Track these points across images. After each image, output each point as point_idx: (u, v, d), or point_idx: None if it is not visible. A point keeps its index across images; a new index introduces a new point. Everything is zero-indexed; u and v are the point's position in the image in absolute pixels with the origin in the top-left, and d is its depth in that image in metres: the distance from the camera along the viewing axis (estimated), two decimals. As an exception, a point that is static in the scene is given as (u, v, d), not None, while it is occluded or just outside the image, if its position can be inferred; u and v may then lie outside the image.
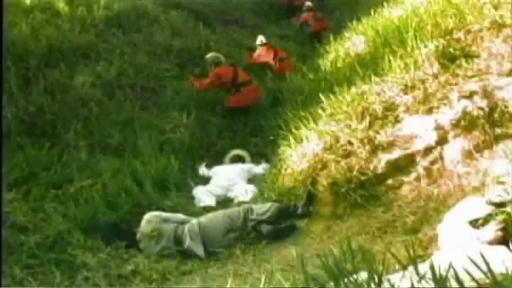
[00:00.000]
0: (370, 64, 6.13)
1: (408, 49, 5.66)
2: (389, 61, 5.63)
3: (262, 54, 9.71)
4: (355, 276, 2.28)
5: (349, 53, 7.78)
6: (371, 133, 4.70)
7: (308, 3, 13.22)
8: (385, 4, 10.21)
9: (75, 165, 5.78)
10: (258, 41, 10.00)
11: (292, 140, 5.29)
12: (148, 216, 4.59)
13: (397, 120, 4.76)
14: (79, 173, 5.61)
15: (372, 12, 10.19)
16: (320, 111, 5.52)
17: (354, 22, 10.05)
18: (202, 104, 7.55)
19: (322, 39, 11.46)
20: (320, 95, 5.74)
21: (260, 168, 5.97)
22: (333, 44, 9.16)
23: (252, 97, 7.35)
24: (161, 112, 7.37)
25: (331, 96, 5.59)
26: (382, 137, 4.64)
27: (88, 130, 6.53)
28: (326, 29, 12.16)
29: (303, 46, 11.61)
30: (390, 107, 4.91)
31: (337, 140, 4.77)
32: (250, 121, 6.65)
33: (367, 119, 4.85)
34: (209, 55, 8.03)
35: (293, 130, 5.46)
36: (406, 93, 4.96)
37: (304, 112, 5.77)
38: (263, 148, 6.36)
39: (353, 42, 8.19)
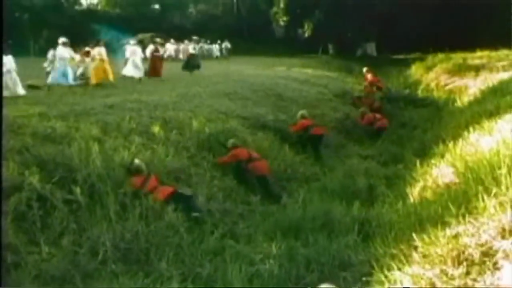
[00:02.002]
0: (462, 201, 6.05)
1: (503, 187, 5.58)
2: (483, 200, 5.56)
3: (237, 153, 10.21)
4: None
5: (438, 184, 7.72)
6: (468, 281, 4.56)
7: (303, 112, 13.94)
8: (470, 128, 10.25)
9: (167, 298, 5.93)
10: (230, 144, 10.54)
11: (386, 284, 5.20)
12: None
13: (496, 268, 4.61)
14: (171, 307, 5.75)
15: (457, 135, 10.25)
16: (412, 250, 5.45)
17: (440, 147, 10.07)
18: (289, 232, 7.63)
19: (322, 145, 13.03)
20: (412, 233, 5.68)
21: (350, 306, 5.86)
22: (419, 170, 9.15)
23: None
24: (249, 239, 7.49)
25: (424, 235, 5.52)
26: (480, 286, 4.50)
27: (179, 258, 6.72)
28: (325, 134, 13.44)
29: (387, 168, 11.62)
30: (487, 252, 4.77)
31: (433, 286, 4.67)
32: (339, 254, 6.60)
33: (464, 264, 4.74)
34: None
35: (385, 271, 5.38)
36: (504, 237, 4.83)
37: (395, 250, 5.70)
38: (352, 283, 6.25)
39: (441, 171, 8.15)
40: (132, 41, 21.84)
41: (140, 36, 38.62)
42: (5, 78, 14.06)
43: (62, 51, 16.84)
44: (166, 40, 32.82)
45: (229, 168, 9.95)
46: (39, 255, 6.18)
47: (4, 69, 13.98)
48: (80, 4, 55.98)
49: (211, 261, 6.61)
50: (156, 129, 10.56)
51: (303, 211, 8.10)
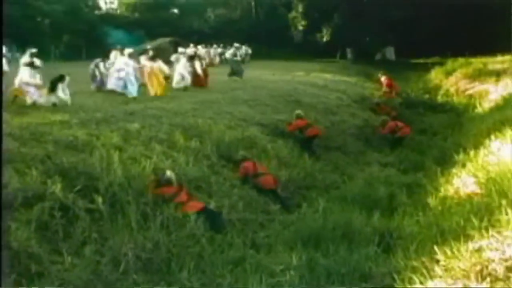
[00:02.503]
0: (485, 213, 6.00)
1: (526, 200, 5.54)
2: (507, 213, 5.51)
3: (245, 167, 10.06)
4: None
5: (460, 194, 7.66)
6: (493, 297, 4.53)
7: (298, 111, 14.07)
8: (491, 136, 10.16)
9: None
10: (239, 156, 10.46)
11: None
12: None
13: (521, 284, 4.57)
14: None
15: (478, 143, 10.17)
16: (434, 263, 5.40)
17: (461, 155, 10.00)
18: (309, 242, 7.60)
19: (315, 146, 13.15)
20: (434, 246, 5.63)
21: (371, 318, 5.83)
22: (440, 179, 9.09)
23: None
24: (270, 249, 7.48)
25: (446, 248, 5.47)
26: (505, 302, 4.45)
27: (200, 268, 6.73)
28: (319, 135, 13.57)
29: (407, 176, 11.53)
30: (511, 267, 4.74)
31: (456, 302, 4.63)
32: (359, 265, 6.56)
33: (487, 279, 4.69)
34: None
35: (407, 284, 5.34)
36: (528, 252, 4.78)
37: (417, 262, 5.66)
38: (374, 296, 6.21)
39: (463, 181, 8.08)
40: (180, 49, 22.45)
41: (160, 40, 38.98)
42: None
43: (128, 61, 16.90)
44: (187, 45, 32.67)
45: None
46: (62, 265, 6.22)
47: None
48: (100, 9, 56.50)
49: (232, 272, 6.61)
50: (176, 137, 10.61)
51: (323, 221, 8.07)
